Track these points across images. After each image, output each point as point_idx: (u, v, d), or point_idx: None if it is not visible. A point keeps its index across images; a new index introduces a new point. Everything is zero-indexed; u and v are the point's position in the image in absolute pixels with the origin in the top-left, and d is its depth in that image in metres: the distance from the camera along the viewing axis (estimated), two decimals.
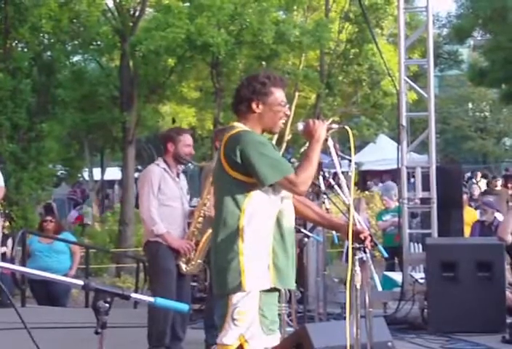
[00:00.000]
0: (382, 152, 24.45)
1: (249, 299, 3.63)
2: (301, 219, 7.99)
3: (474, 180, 19.96)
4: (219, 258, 3.70)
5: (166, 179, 5.92)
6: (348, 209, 3.90)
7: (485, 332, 6.91)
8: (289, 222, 3.80)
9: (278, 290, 3.79)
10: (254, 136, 3.73)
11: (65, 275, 9.05)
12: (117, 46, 18.02)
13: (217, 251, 3.73)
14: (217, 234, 3.71)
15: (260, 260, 3.66)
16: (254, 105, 3.77)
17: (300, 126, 3.90)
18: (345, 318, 4.10)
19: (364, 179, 26.26)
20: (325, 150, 4.07)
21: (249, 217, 3.67)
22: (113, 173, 25.84)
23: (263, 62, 19.42)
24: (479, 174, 20.59)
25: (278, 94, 3.82)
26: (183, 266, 5.95)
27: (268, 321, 3.69)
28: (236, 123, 3.82)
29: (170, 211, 5.92)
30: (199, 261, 5.96)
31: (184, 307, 2.65)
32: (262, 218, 3.68)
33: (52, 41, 16.79)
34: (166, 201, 5.89)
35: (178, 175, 6.07)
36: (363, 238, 3.87)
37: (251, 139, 3.69)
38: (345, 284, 4.03)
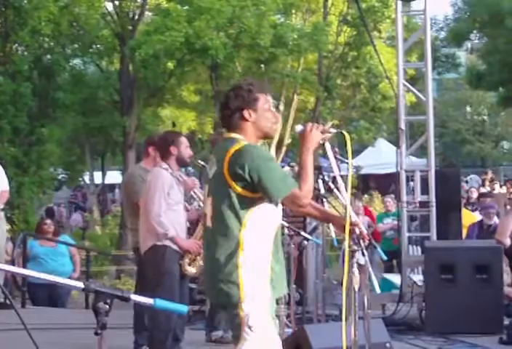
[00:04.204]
0: (381, 156, 24.41)
1: (259, 306, 3.65)
2: (300, 223, 8.06)
3: (464, 184, 19.72)
4: (217, 271, 3.68)
5: (172, 184, 5.96)
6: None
7: (483, 333, 6.93)
8: (279, 230, 3.84)
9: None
10: (260, 151, 3.73)
11: (69, 277, 9.09)
12: (116, 49, 18.07)
13: (215, 263, 3.70)
14: (216, 247, 3.70)
15: (260, 272, 3.67)
16: (246, 114, 3.77)
17: (299, 128, 3.92)
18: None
19: (366, 183, 26.26)
20: (324, 154, 4.09)
21: (250, 230, 3.67)
22: (114, 177, 25.87)
23: (262, 66, 19.46)
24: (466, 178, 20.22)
25: (265, 99, 3.83)
26: (187, 266, 5.97)
27: (276, 322, 3.75)
28: (234, 135, 3.79)
29: (175, 216, 5.94)
30: (202, 262, 5.96)
31: (183, 308, 2.68)
32: (263, 231, 3.70)
33: (52, 44, 16.84)
34: (172, 205, 5.92)
35: (178, 180, 6.11)
36: (358, 232, 3.90)
37: (258, 154, 3.69)
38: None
